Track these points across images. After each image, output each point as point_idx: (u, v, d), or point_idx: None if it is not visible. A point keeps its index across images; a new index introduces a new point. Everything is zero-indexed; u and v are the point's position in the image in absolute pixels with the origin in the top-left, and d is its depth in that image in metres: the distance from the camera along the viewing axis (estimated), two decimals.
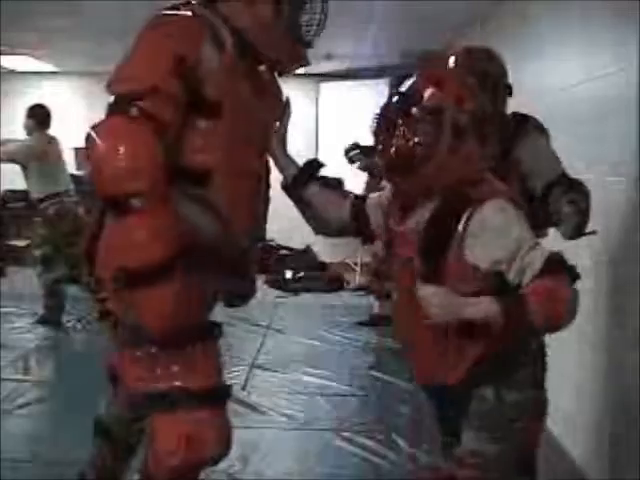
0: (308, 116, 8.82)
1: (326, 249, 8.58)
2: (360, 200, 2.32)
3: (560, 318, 1.85)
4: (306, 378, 4.78)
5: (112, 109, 1.85)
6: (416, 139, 1.97)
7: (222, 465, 3.30)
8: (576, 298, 1.85)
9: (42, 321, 5.90)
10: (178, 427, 1.97)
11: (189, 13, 1.97)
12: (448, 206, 1.97)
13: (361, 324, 6.15)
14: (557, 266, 1.86)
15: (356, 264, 8.16)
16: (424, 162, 1.95)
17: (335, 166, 9.61)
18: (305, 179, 2.30)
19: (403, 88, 2.11)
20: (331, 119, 8.77)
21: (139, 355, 1.99)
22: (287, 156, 2.31)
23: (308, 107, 8.83)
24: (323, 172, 2.35)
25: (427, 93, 2.02)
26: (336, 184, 2.37)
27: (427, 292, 1.89)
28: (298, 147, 9.78)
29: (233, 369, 4.84)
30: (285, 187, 2.33)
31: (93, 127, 1.81)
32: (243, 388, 4.53)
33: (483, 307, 1.85)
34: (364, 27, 5.91)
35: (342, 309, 6.80)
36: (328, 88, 8.82)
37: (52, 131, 6.09)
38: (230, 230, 2.06)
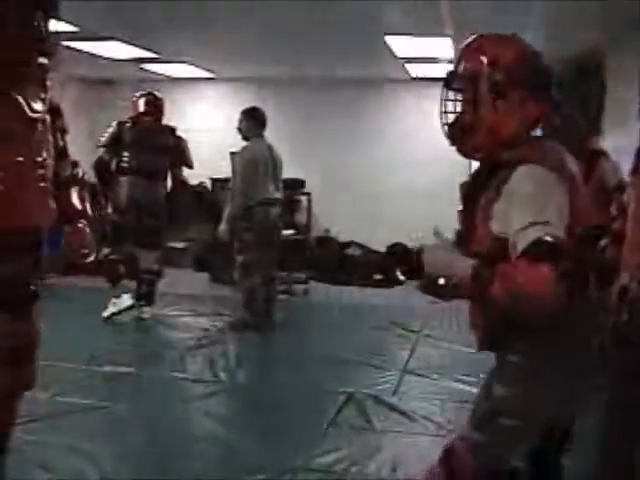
0: None
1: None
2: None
3: (524, 302, 1.82)
4: (457, 385, 4.82)
5: None
6: (459, 108, 2.12)
7: (372, 468, 3.49)
8: (550, 288, 1.77)
9: (239, 326, 6.12)
10: None
11: None
12: (484, 168, 2.07)
13: None
14: (542, 252, 1.80)
15: None
16: (472, 127, 2.08)
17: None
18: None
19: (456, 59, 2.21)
20: None
21: None
22: None
23: None
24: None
25: (462, 64, 2.13)
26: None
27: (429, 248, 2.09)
28: (451, 150, 9.83)
29: (385, 374, 4.99)
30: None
31: None
32: (394, 393, 4.64)
33: (461, 268, 1.95)
34: (520, 31, 5.86)
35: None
36: None
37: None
38: None
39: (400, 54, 6.93)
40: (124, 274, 6.28)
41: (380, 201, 9.03)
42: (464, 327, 6.69)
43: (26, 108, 2.36)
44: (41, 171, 2.44)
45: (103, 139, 6.19)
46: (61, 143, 2.70)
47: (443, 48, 6.51)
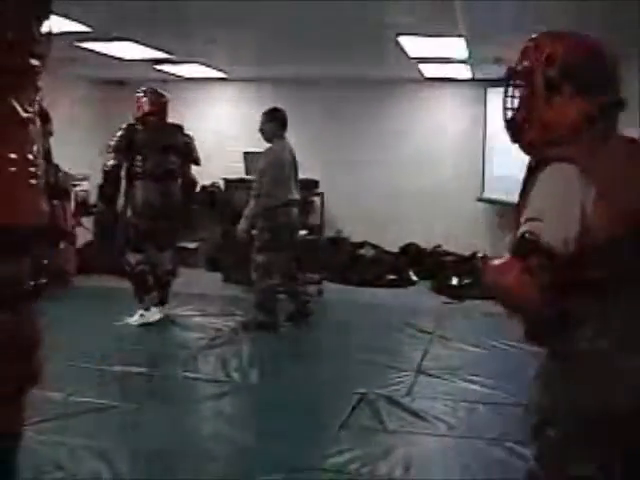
0: (476, 120, 8.82)
1: (492, 255, 8.52)
2: None
3: (501, 297, 1.92)
4: (469, 386, 4.82)
5: None
6: (516, 104, 2.14)
7: (384, 470, 3.49)
8: (513, 280, 1.84)
9: (254, 326, 6.11)
10: None
11: None
12: (531, 166, 2.05)
13: None
14: (525, 247, 1.85)
15: None
16: (527, 123, 2.09)
17: (504, 168, 9.51)
18: None
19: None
20: (498, 124, 8.69)
21: None
22: None
23: (476, 111, 8.82)
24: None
25: (521, 60, 2.13)
26: None
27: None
28: (465, 150, 9.82)
29: (398, 374, 4.99)
30: None
31: None
32: (408, 394, 4.63)
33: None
34: (534, 32, 5.85)
35: (507, 316, 6.71)
36: (496, 93, 8.74)
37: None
38: None
39: (413, 54, 6.91)
40: (152, 286, 6.29)
41: (393, 201, 9.02)
42: (477, 328, 6.72)
43: (19, 109, 2.38)
44: (32, 169, 2.45)
45: (113, 143, 6.16)
46: (47, 147, 2.72)
47: (456, 48, 6.49)
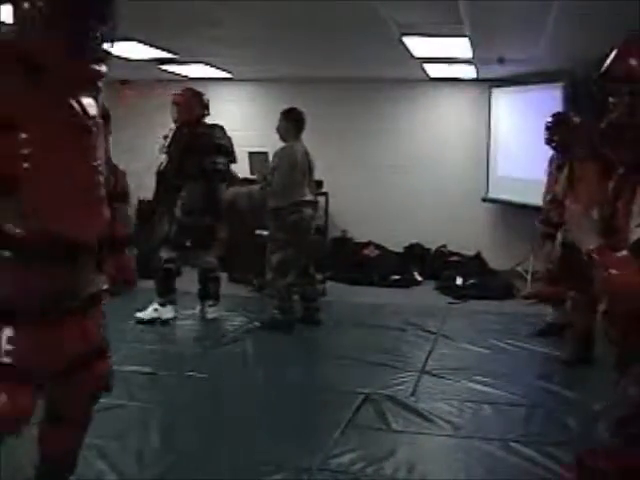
0: (480, 120, 8.82)
1: (496, 256, 8.54)
2: None
3: (608, 291, 1.95)
4: (474, 386, 4.81)
5: None
6: (626, 112, 2.05)
7: (388, 470, 3.49)
8: (631, 278, 1.87)
9: (272, 325, 6.12)
10: None
11: None
12: (626, 171, 2.05)
13: (536, 334, 6.02)
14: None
15: (527, 272, 8.03)
16: (625, 130, 2.04)
17: (509, 168, 9.47)
18: None
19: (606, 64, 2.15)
20: (502, 123, 8.71)
21: None
22: None
23: (480, 111, 8.83)
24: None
25: (631, 68, 2.06)
26: None
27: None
28: (470, 150, 9.80)
29: (403, 374, 4.99)
30: None
31: None
32: (412, 394, 4.63)
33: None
34: (538, 32, 5.85)
35: (511, 317, 6.74)
36: (500, 92, 8.75)
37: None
38: (54, 229, 2.28)
39: (417, 54, 6.92)
40: (174, 287, 6.29)
41: (398, 201, 9.03)
42: (482, 328, 6.71)
43: (82, 114, 2.38)
44: (97, 177, 2.45)
45: (165, 144, 6.23)
46: (107, 147, 2.70)
47: (461, 48, 6.50)
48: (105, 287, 2.66)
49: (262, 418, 4.28)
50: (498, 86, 8.66)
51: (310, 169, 6.27)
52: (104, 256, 2.56)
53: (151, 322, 6.14)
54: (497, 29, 5.81)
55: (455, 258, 8.61)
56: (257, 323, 6.26)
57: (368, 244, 8.95)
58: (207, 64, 8.11)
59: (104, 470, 3.39)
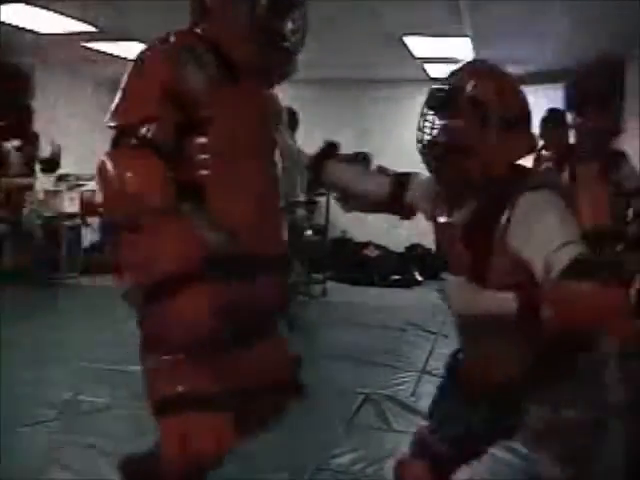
0: None
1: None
2: (404, 177, 2.45)
3: (580, 321, 1.77)
4: None
5: (114, 142, 1.99)
6: (458, 129, 2.09)
7: (389, 468, 3.48)
8: (605, 300, 1.74)
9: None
10: (182, 429, 1.99)
11: (171, 42, 2.11)
12: (494, 197, 1.99)
13: None
14: (585, 268, 1.76)
15: None
16: (468, 154, 2.04)
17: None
18: (323, 157, 2.44)
19: (447, 81, 2.18)
20: None
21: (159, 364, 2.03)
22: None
23: None
24: None
25: (470, 85, 2.09)
26: (362, 159, 2.44)
27: (451, 283, 2.00)
28: None
29: (403, 375, 4.99)
30: (307, 167, 2.44)
31: (101, 159, 1.91)
32: (413, 394, 4.63)
33: (499, 301, 1.82)
34: (538, 32, 5.86)
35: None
36: None
37: None
38: (237, 242, 2.07)
39: (418, 54, 6.93)
40: None
41: None
42: None
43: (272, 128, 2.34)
44: (278, 189, 2.34)
45: None
46: None
47: (462, 48, 6.50)
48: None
49: None
50: None
51: (301, 169, 6.23)
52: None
53: None
54: (497, 29, 5.82)
55: None
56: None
57: (368, 244, 8.95)
58: None
59: (104, 470, 3.39)
